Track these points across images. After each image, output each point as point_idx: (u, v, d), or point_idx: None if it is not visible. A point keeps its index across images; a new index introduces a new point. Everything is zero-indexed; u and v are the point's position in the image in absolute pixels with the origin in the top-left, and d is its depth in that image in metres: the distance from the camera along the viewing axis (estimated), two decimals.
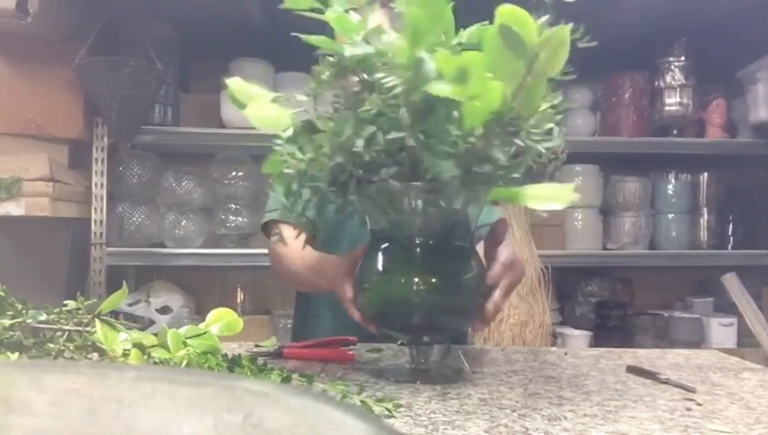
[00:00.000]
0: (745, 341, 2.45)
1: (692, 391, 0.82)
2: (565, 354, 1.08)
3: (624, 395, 0.80)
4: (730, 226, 2.75)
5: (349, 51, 0.75)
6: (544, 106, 0.76)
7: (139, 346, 0.71)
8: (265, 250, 1.33)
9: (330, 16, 0.77)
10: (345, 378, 0.86)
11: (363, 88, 0.78)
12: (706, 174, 2.75)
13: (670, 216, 2.68)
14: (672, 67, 2.59)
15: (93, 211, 2.29)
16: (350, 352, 1.01)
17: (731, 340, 2.55)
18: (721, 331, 2.56)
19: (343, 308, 0.91)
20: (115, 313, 0.92)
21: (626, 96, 2.61)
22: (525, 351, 1.11)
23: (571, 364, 0.99)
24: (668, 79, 2.59)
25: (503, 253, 0.86)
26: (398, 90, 0.71)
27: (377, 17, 0.83)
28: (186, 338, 0.74)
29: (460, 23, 0.77)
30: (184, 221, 2.47)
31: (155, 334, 0.74)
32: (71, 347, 0.72)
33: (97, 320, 0.73)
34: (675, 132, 2.66)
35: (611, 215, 2.68)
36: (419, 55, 0.69)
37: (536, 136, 0.75)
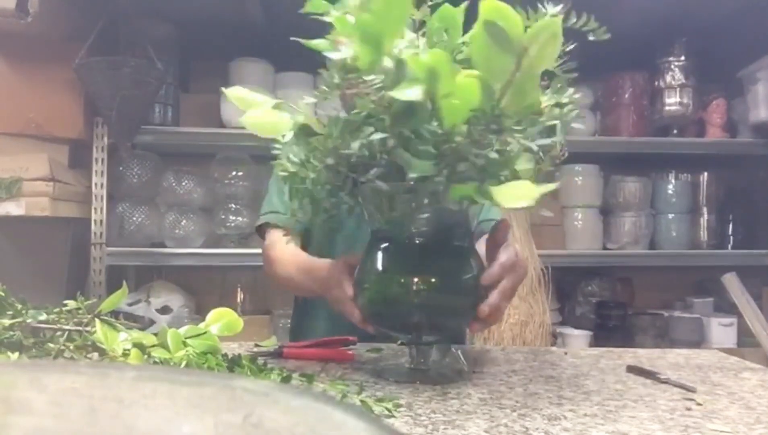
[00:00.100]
0: (745, 341, 2.45)
1: (692, 391, 0.82)
2: (565, 354, 1.08)
3: (624, 395, 0.80)
4: (730, 226, 2.75)
5: (333, 54, 0.74)
6: (547, 102, 0.75)
7: (139, 346, 0.71)
8: None
9: (333, 16, 0.77)
10: (345, 378, 0.86)
11: (357, 92, 0.77)
12: (706, 174, 2.75)
13: (670, 216, 2.68)
14: (672, 67, 2.59)
15: (93, 211, 2.29)
16: (350, 352, 1.01)
17: (731, 340, 2.55)
18: (721, 331, 2.56)
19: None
20: (115, 313, 0.92)
21: (626, 96, 2.61)
22: (525, 351, 1.11)
23: (571, 364, 0.99)
24: (668, 79, 2.59)
25: (504, 254, 0.85)
26: (380, 93, 0.70)
27: None
28: (186, 338, 0.75)
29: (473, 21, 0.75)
30: (184, 221, 2.47)
31: (155, 334, 0.74)
32: (71, 347, 0.72)
33: (97, 320, 0.73)
34: (675, 132, 2.66)
35: (611, 215, 2.68)
36: (382, 61, 0.68)
37: (525, 133, 0.72)
